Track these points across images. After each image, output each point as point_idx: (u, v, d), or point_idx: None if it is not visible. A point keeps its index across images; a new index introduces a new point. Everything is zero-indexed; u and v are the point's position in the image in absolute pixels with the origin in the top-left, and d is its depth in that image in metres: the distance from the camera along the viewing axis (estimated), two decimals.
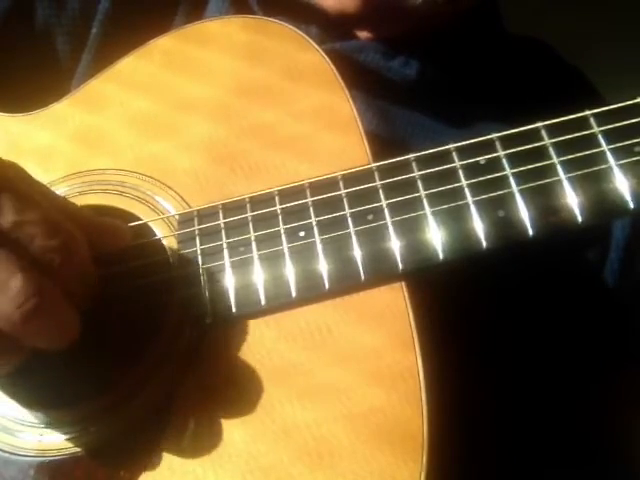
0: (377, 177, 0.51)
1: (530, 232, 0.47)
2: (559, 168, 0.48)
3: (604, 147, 0.48)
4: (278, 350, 0.49)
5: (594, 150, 0.48)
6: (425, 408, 0.46)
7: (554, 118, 0.50)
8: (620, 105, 0.49)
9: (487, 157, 0.50)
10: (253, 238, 0.51)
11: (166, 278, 0.52)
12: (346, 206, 0.51)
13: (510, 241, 0.48)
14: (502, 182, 0.49)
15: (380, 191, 0.51)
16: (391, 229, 0.49)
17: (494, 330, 0.58)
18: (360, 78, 0.60)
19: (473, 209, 0.49)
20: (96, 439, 0.49)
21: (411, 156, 0.51)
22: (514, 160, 0.49)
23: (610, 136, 0.48)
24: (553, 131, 0.49)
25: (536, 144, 0.49)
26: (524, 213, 0.48)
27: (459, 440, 0.48)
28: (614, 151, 0.48)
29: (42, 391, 0.51)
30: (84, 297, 0.47)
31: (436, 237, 0.48)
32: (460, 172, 0.50)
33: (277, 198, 0.52)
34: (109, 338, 0.54)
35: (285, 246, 0.50)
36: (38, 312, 0.42)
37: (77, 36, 0.72)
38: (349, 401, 0.47)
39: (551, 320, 0.61)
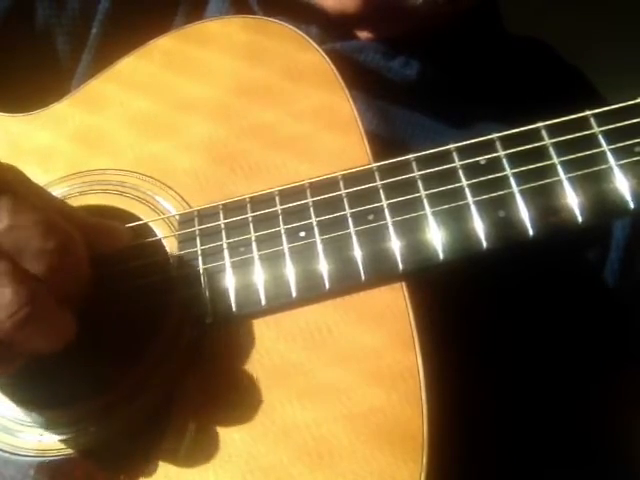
0: (377, 177, 0.51)
1: (530, 232, 0.48)
2: (559, 168, 0.48)
3: (604, 147, 0.48)
4: (278, 350, 0.49)
5: (594, 150, 0.48)
6: (425, 408, 0.46)
7: (554, 118, 0.50)
8: (620, 105, 0.49)
9: (487, 157, 0.50)
10: (253, 238, 0.51)
11: (166, 278, 0.52)
12: (346, 206, 0.51)
13: (510, 241, 0.48)
14: (502, 182, 0.49)
15: (380, 191, 0.51)
16: (391, 229, 0.49)
17: (494, 330, 0.58)
18: (360, 78, 0.60)
19: (473, 209, 0.49)
20: (96, 439, 0.49)
21: (411, 156, 0.51)
22: (514, 160, 0.49)
23: (610, 136, 0.48)
24: (553, 131, 0.49)
25: (536, 144, 0.49)
26: (524, 213, 0.48)
27: (459, 440, 0.48)
28: (614, 151, 0.48)
29: (40, 391, 0.51)
30: (78, 297, 0.47)
31: (436, 237, 0.48)
32: (460, 172, 0.50)
33: (277, 198, 0.52)
34: (109, 338, 0.54)
35: (285, 246, 0.50)
36: (30, 320, 0.42)
37: (77, 36, 0.72)
38: (349, 401, 0.47)
39: (551, 320, 0.61)
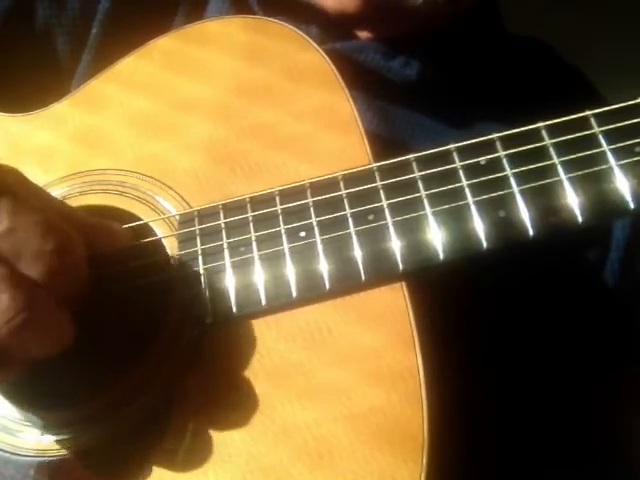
0: (378, 177, 0.51)
1: (530, 232, 0.48)
2: (560, 168, 0.48)
3: (605, 147, 0.48)
4: (278, 350, 0.49)
5: (595, 150, 0.48)
6: (425, 408, 0.46)
7: (554, 118, 0.50)
8: (620, 105, 0.49)
9: (488, 157, 0.50)
10: (254, 238, 0.51)
11: (166, 278, 0.52)
12: (347, 206, 0.51)
13: (510, 241, 0.48)
14: (503, 182, 0.49)
15: (381, 191, 0.51)
16: (392, 229, 0.49)
17: (494, 330, 0.58)
18: (360, 78, 0.60)
19: (473, 209, 0.49)
20: (96, 439, 0.49)
21: (411, 156, 0.51)
22: (515, 160, 0.49)
23: (611, 136, 0.48)
24: (554, 131, 0.49)
25: (537, 144, 0.49)
26: (524, 213, 0.48)
27: (459, 440, 0.48)
28: (615, 151, 0.48)
29: (40, 392, 0.51)
30: (77, 299, 0.47)
31: (437, 237, 0.48)
32: (461, 172, 0.50)
33: (278, 198, 0.52)
34: (109, 338, 0.54)
35: (286, 246, 0.50)
36: (27, 326, 0.42)
37: (77, 36, 0.72)
38: (349, 401, 0.47)
39: (551, 320, 0.61)
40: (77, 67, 0.71)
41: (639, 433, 0.60)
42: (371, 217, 0.50)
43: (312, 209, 0.51)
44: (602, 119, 0.49)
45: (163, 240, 0.54)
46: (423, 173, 0.50)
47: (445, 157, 0.51)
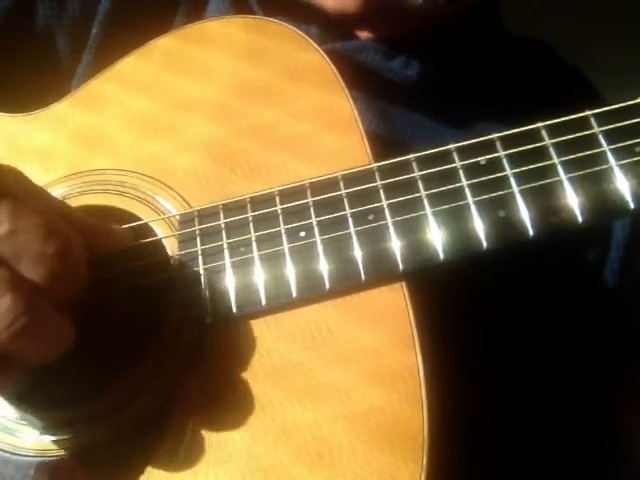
0: (378, 177, 0.51)
1: (531, 232, 0.48)
2: (560, 168, 0.48)
3: (605, 147, 0.48)
4: (278, 350, 0.49)
5: (595, 150, 0.48)
6: (425, 408, 0.46)
7: (554, 118, 0.50)
8: (620, 105, 0.49)
9: (487, 157, 0.50)
10: (254, 238, 0.51)
11: (167, 278, 0.52)
12: (347, 206, 0.51)
13: (510, 241, 0.48)
14: (503, 182, 0.49)
15: (381, 191, 0.51)
16: (392, 229, 0.49)
17: (494, 330, 0.58)
18: (360, 78, 0.60)
19: (474, 209, 0.49)
20: (97, 439, 0.49)
21: (411, 156, 0.51)
22: (515, 160, 0.49)
23: (611, 136, 0.48)
24: (553, 131, 0.49)
25: (537, 144, 0.49)
26: (524, 213, 0.48)
27: (459, 440, 0.48)
28: (615, 151, 0.48)
29: (40, 392, 0.51)
30: (77, 301, 0.47)
31: (437, 237, 0.48)
32: (461, 172, 0.50)
33: (278, 198, 0.52)
34: (110, 339, 0.54)
35: (286, 246, 0.50)
36: (27, 330, 0.42)
37: (77, 36, 0.72)
38: (349, 401, 0.47)
39: (551, 320, 0.61)
40: (77, 67, 0.71)
41: (639, 433, 0.60)
42: (371, 217, 0.50)
43: (312, 209, 0.51)
44: (602, 119, 0.49)
45: (163, 240, 0.54)
46: (423, 173, 0.50)
47: (445, 157, 0.51)
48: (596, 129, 0.49)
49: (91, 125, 0.61)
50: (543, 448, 0.59)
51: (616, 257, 0.67)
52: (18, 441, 0.50)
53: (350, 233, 0.50)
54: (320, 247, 0.50)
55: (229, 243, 0.52)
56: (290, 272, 0.50)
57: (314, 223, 0.51)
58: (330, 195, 0.51)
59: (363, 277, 0.49)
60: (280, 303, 0.49)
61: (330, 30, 0.69)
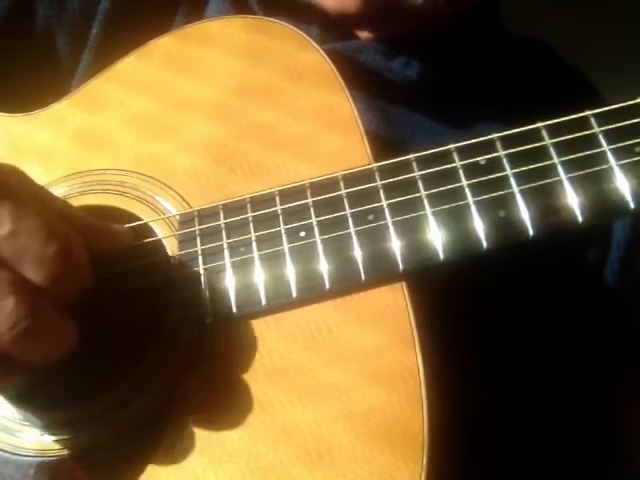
0: (378, 177, 0.51)
1: (531, 232, 0.47)
2: (560, 168, 0.48)
3: (605, 147, 0.48)
4: (278, 350, 0.49)
5: (595, 150, 0.48)
6: (425, 408, 0.46)
7: (554, 118, 0.50)
8: (620, 105, 0.49)
9: (487, 157, 0.50)
10: (254, 238, 0.51)
11: (167, 278, 0.52)
12: (347, 206, 0.51)
13: (511, 241, 0.48)
14: (503, 182, 0.49)
15: (381, 191, 0.51)
16: (392, 229, 0.49)
17: (494, 330, 0.58)
18: (360, 78, 0.60)
19: (474, 209, 0.49)
20: (97, 439, 0.49)
21: (411, 156, 0.51)
22: (515, 160, 0.49)
23: (611, 136, 0.48)
24: (554, 131, 0.49)
25: (537, 144, 0.49)
26: (525, 213, 0.48)
27: (459, 440, 0.48)
28: (615, 151, 0.48)
29: (40, 392, 0.51)
30: (79, 302, 0.47)
31: (437, 237, 0.48)
32: (460, 172, 0.50)
33: (278, 198, 0.52)
34: (110, 339, 0.54)
35: (286, 246, 0.50)
36: (29, 333, 0.42)
37: (77, 36, 0.72)
38: (349, 401, 0.47)
39: (551, 320, 0.61)
40: (77, 67, 0.72)
41: (639, 433, 0.60)
42: (371, 217, 0.50)
43: (312, 209, 0.51)
44: (602, 119, 0.49)
45: (163, 240, 0.54)
46: (423, 173, 0.50)
47: (445, 157, 0.51)
48: (596, 129, 0.49)
49: (91, 125, 0.61)
50: (543, 448, 0.59)
51: (616, 257, 0.68)
52: (18, 441, 0.50)
53: (350, 233, 0.50)
54: (320, 247, 0.50)
55: (229, 243, 0.52)
56: (290, 272, 0.50)
57: (314, 223, 0.51)
58: (330, 195, 0.51)
59: (363, 277, 0.49)
60: (280, 303, 0.49)
61: (330, 30, 0.69)
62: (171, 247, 0.53)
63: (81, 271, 0.46)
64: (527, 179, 0.48)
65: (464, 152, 0.50)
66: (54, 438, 0.50)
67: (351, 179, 0.52)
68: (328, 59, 0.57)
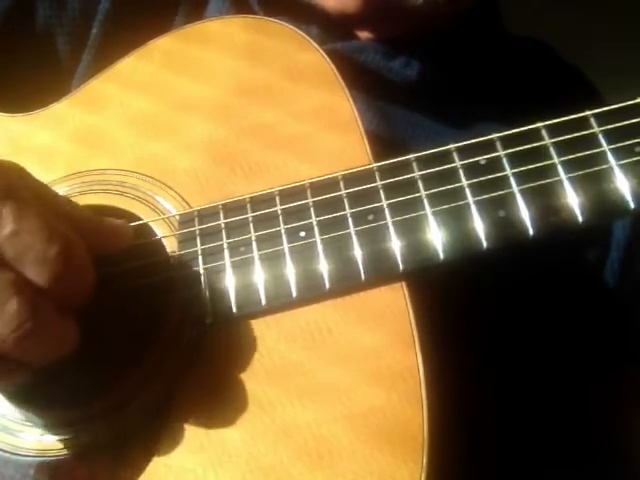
0: (378, 177, 0.51)
1: (531, 232, 0.48)
2: (560, 168, 0.48)
3: (605, 147, 0.48)
4: (278, 350, 0.49)
5: (595, 150, 0.48)
6: (425, 408, 0.46)
7: (554, 118, 0.50)
8: (620, 105, 0.49)
9: (487, 157, 0.50)
10: (254, 238, 0.51)
11: (167, 278, 0.52)
12: (347, 206, 0.51)
13: (511, 241, 0.48)
14: (503, 182, 0.49)
15: (381, 191, 0.51)
16: (392, 229, 0.49)
17: (494, 330, 0.58)
18: (360, 78, 0.60)
19: (474, 209, 0.49)
20: (97, 439, 0.49)
21: (411, 156, 0.51)
22: (514, 160, 0.49)
23: (611, 136, 0.48)
24: (553, 131, 0.49)
25: (536, 144, 0.49)
26: (525, 213, 0.48)
27: (459, 440, 0.48)
28: (615, 151, 0.48)
29: (40, 392, 0.51)
30: (82, 303, 0.47)
31: (437, 237, 0.48)
32: (461, 172, 0.50)
33: (278, 198, 0.52)
34: (110, 338, 0.54)
35: (286, 246, 0.50)
36: (32, 334, 0.42)
37: (77, 36, 0.72)
38: (349, 401, 0.47)
39: (551, 320, 0.61)
40: (77, 67, 0.72)
41: (639, 433, 0.60)
42: (371, 217, 0.50)
43: (312, 209, 0.51)
44: (602, 119, 0.49)
45: (163, 240, 0.54)
46: (423, 173, 0.50)
47: (445, 157, 0.51)
48: (596, 129, 0.49)
49: (91, 125, 0.61)
50: (543, 448, 0.59)
51: (616, 257, 0.68)
52: (18, 441, 0.50)
53: (350, 233, 0.50)
54: (320, 247, 0.50)
55: (229, 243, 0.52)
56: (290, 272, 0.50)
57: (314, 223, 0.51)
58: (330, 195, 0.51)
59: (363, 277, 0.49)
60: (280, 303, 0.49)
61: (330, 30, 0.69)
62: (171, 247, 0.53)
63: (83, 272, 0.46)
64: (527, 179, 0.48)
65: (464, 152, 0.50)
66: (54, 438, 0.50)
67: (351, 179, 0.52)
68: (328, 59, 0.57)
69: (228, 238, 0.52)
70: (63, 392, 0.51)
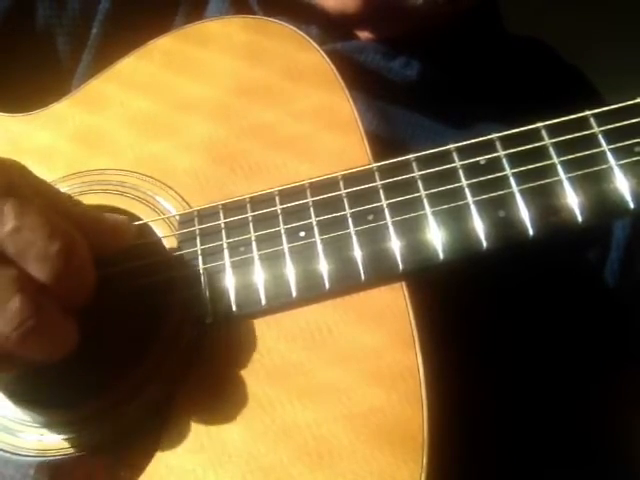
0: (377, 177, 0.51)
1: (530, 232, 0.48)
2: (559, 168, 0.48)
3: (604, 147, 0.48)
4: (278, 350, 0.49)
5: (594, 150, 0.48)
6: (425, 408, 0.46)
7: (554, 118, 0.50)
8: (620, 105, 0.49)
9: (487, 157, 0.50)
10: (253, 238, 0.51)
11: (167, 278, 0.52)
12: (346, 206, 0.51)
13: (510, 241, 0.48)
14: (502, 182, 0.49)
15: (380, 191, 0.51)
16: (391, 229, 0.49)
17: (494, 330, 0.58)
18: (360, 78, 0.60)
19: (473, 209, 0.49)
20: (96, 439, 0.49)
21: (411, 156, 0.51)
22: (514, 160, 0.49)
23: (610, 136, 0.48)
24: (553, 131, 0.49)
25: (536, 144, 0.49)
26: (524, 213, 0.48)
27: (459, 440, 0.48)
28: (614, 151, 0.48)
29: (41, 391, 0.51)
30: (83, 302, 0.47)
31: (436, 237, 0.48)
32: (460, 172, 0.50)
33: (277, 198, 0.52)
34: (110, 338, 0.54)
35: (285, 246, 0.50)
36: (34, 332, 0.42)
37: (77, 36, 0.72)
38: (349, 401, 0.47)
39: (551, 320, 0.61)
40: (77, 67, 0.71)
41: (639, 433, 0.60)
42: (371, 217, 0.50)
43: (312, 209, 0.51)
44: (602, 119, 0.49)
45: (163, 240, 0.54)
46: (423, 173, 0.50)
47: (445, 157, 0.51)
48: (596, 129, 0.49)
49: (91, 125, 0.61)
50: (543, 448, 0.59)
51: (616, 257, 0.68)
52: (18, 441, 0.50)
53: (350, 233, 0.50)
54: (320, 247, 0.50)
55: (229, 243, 0.52)
56: (290, 272, 0.50)
57: (314, 223, 0.51)
58: (330, 195, 0.51)
59: (363, 277, 0.49)
60: (280, 303, 0.49)
61: (330, 30, 0.69)
62: (171, 247, 0.53)
63: (84, 270, 0.46)
64: (527, 179, 0.48)
65: (464, 152, 0.50)
66: (55, 437, 0.50)
67: (351, 179, 0.52)
68: (328, 59, 0.57)
69: (228, 238, 0.52)
70: (63, 392, 0.51)
